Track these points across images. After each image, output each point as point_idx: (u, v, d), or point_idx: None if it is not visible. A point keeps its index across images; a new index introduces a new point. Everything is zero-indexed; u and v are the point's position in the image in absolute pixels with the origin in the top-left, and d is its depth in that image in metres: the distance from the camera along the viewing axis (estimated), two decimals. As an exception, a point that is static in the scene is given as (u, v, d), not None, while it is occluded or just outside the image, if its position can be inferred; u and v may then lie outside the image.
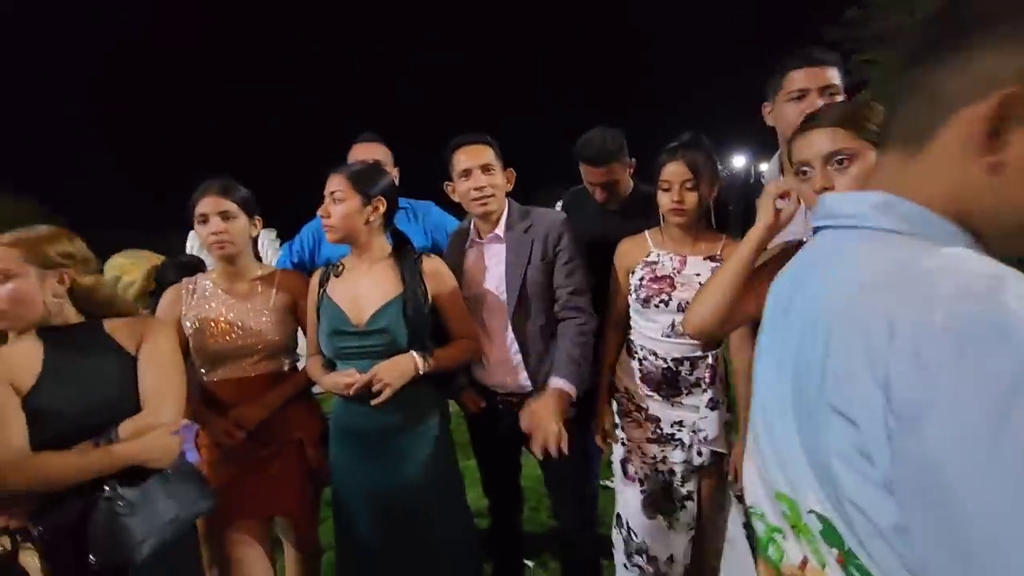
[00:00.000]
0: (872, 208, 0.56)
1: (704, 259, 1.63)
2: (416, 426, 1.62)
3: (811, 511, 0.56)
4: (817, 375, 0.52)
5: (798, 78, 1.49)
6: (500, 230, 1.78)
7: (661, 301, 1.62)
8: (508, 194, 1.80)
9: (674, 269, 1.64)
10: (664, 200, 1.59)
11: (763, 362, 0.68)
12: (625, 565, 1.76)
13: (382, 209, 1.63)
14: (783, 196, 1.17)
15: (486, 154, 1.72)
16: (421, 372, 1.57)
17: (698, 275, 1.61)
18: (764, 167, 1.78)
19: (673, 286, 1.62)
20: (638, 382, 1.71)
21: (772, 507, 0.64)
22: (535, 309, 1.74)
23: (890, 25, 10.74)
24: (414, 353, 1.58)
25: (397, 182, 1.89)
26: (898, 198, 0.55)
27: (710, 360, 1.64)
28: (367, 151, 2.18)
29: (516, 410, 1.69)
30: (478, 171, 1.71)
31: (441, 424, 1.68)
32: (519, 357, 1.77)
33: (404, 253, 1.70)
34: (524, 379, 1.78)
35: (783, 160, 1.53)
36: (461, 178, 1.74)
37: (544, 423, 1.52)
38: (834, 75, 1.48)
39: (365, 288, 1.63)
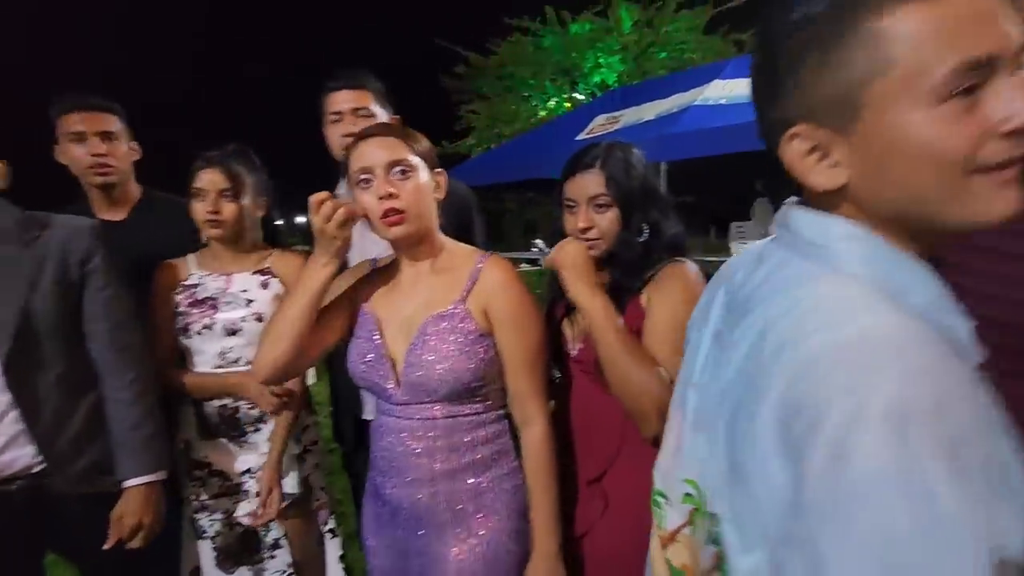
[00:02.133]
0: (839, 242, 0.53)
1: (252, 273, 1.51)
2: None
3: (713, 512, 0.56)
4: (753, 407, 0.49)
5: (333, 100, 1.56)
6: None
7: (205, 327, 1.45)
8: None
9: (218, 290, 1.48)
10: (196, 210, 1.44)
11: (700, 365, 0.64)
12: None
13: None
14: (350, 218, 1.07)
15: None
16: None
17: (245, 291, 1.48)
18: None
19: (216, 307, 1.46)
20: (194, 432, 1.51)
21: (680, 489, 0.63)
22: (48, 352, 1.32)
23: (483, 84, 13.18)
24: None
25: None
26: (864, 232, 0.52)
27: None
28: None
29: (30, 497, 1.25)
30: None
31: None
32: (19, 425, 1.28)
33: None
34: (31, 455, 1.30)
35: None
36: None
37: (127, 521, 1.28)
38: (366, 98, 1.57)
39: None
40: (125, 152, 1.69)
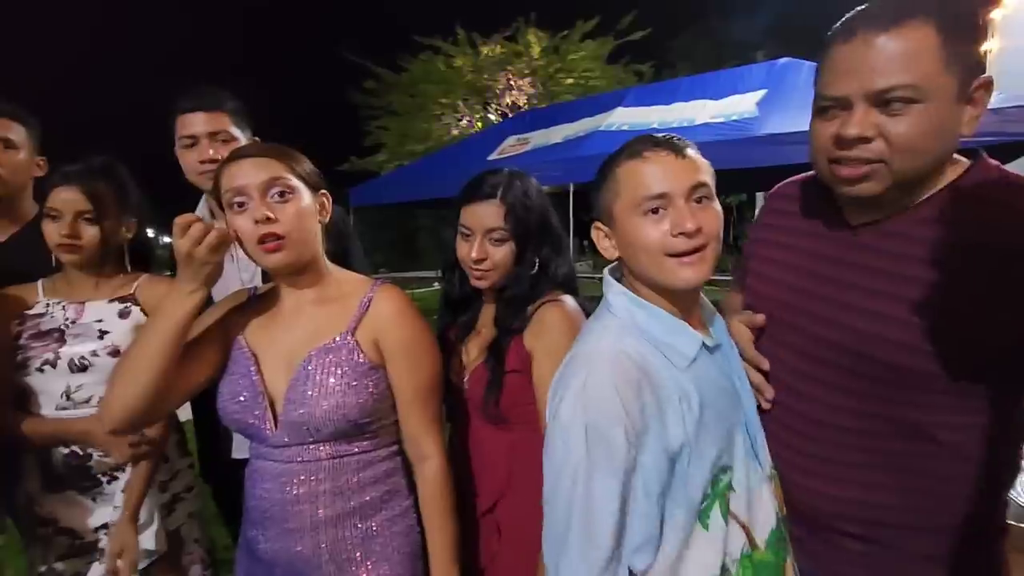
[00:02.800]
0: (613, 296, 0.91)
1: (110, 301, 1.32)
2: None
3: None
4: None
5: (187, 122, 1.39)
6: None
7: (46, 363, 1.25)
8: None
9: (67, 320, 1.28)
10: (49, 231, 1.24)
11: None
12: None
13: None
14: (222, 242, 0.95)
15: None
16: None
17: (100, 321, 1.29)
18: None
19: (63, 340, 1.26)
20: (37, 484, 1.28)
21: None
22: None
23: (394, 101, 13.03)
24: None
25: None
26: (624, 290, 0.89)
27: None
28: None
29: None
30: None
31: None
32: None
33: None
34: None
35: (210, 202, 1.44)
36: None
37: None
38: (224, 121, 1.43)
39: None
40: (21, 163, 1.48)
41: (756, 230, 1.10)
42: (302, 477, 0.99)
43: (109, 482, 1.29)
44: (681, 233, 0.80)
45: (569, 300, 1.14)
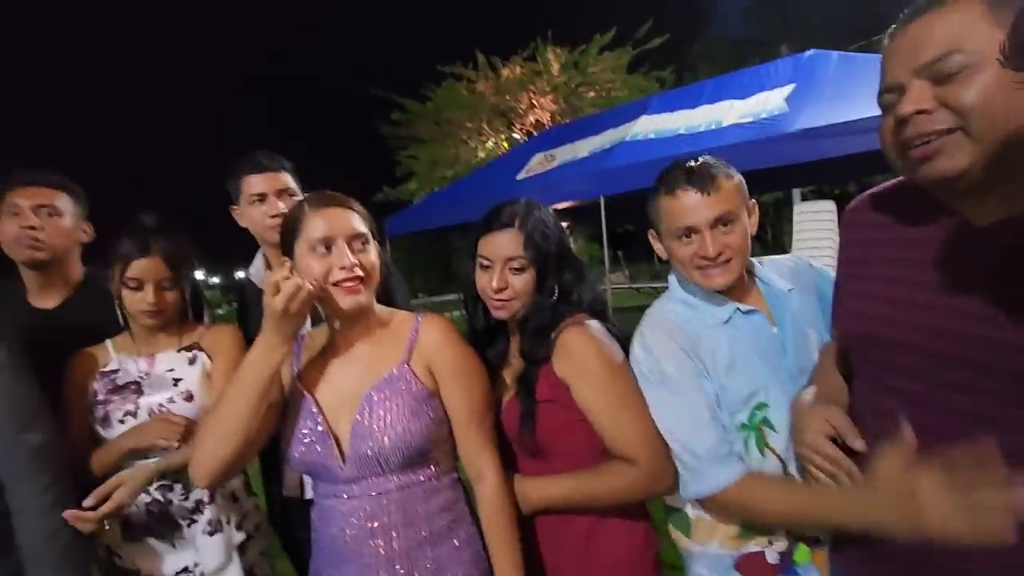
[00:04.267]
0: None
1: (179, 351, 1.38)
2: None
3: None
4: None
5: (254, 183, 1.55)
6: None
7: (127, 414, 1.31)
8: None
9: (141, 373, 1.34)
10: (133, 300, 1.30)
11: None
12: None
13: None
14: (311, 299, 1.01)
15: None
16: None
17: (171, 370, 1.35)
18: (246, 273, 1.71)
19: (140, 391, 1.32)
20: (120, 539, 1.34)
21: None
22: None
23: (421, 130, 13.38)
24: None
25: None
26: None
27: None
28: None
29: None
30: None
31: None
32: None
33: None
34: None
35: (268, 257, 1.59)
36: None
37: None
38: (288, 179, 1.59)
39: None
40: (66, 229, 1.54)
41: (841, 252, 0.98)
42: (372, 511, 1.02)
43: (189, 525, 1.34)
44: (703, 256, 1.04)
45: (590, 321, 1.12)
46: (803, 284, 1.16)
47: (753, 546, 1.06)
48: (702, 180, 1.02)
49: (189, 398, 1.34)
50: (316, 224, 1.03)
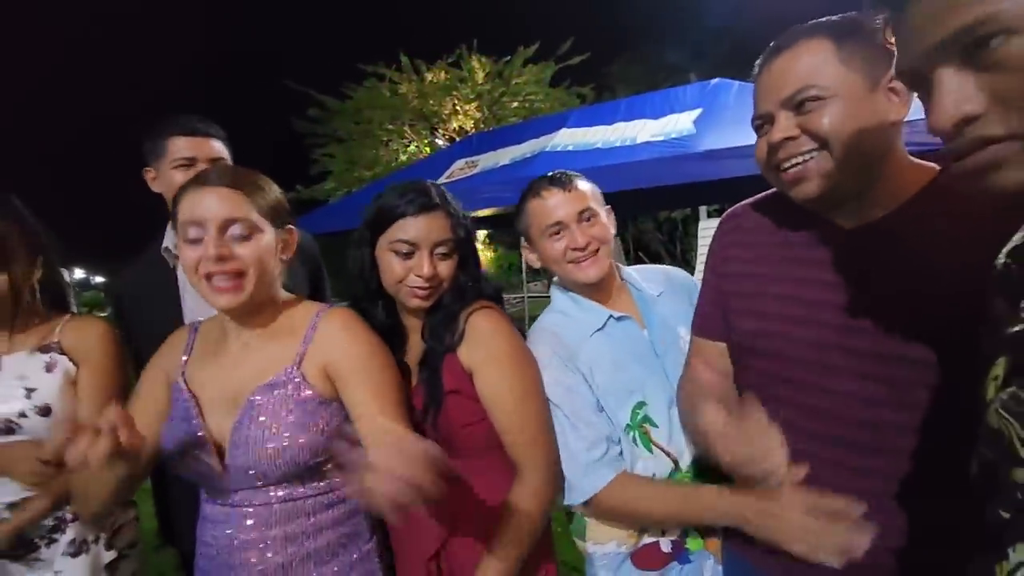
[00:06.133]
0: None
1: (31, 352, 1.20)
2: None
3: None
4: None
5: (183, 145, 1.41)
6: None
7: None
8: None
9: None
10: None
11: None
12: None
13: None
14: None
15: None
16: None
17: (23, 378, 1.16)
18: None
19: None
20: None
21: None
22: None
23: (339, 128, 12.90)
24: None
25: None
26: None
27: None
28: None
29: None
30: None
31: None
32: None
33: None
34: None
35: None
36: None
37: None
38: (221, 148, 1.47)
39: None
40: None
41: (719, 254, 1.05)
42: (251, 522, 0.92)
43: (48, 545, 1.18)
44: (574, 248, 1.13)
45: (496, 308, 1.10)
46: (675, 288, 1.26)
47: (647, 538, 1.10)
48: (562, 182, 1.15)
49: (46, 412, 1.16)
50: (187, 205, 0.91)
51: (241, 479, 0.92)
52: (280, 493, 0.94)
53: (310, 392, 0.95)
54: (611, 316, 1.16)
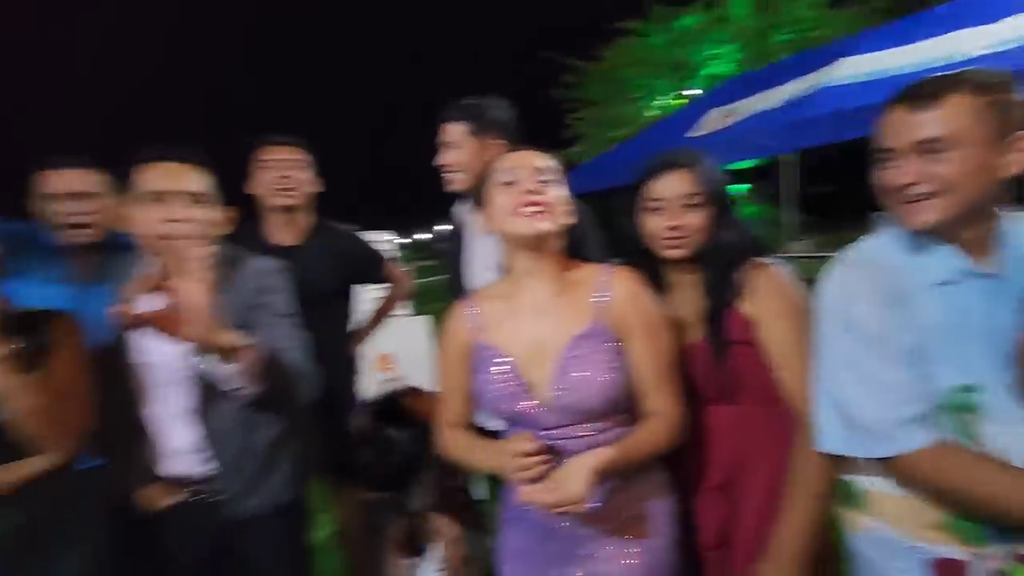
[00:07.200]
0: None
1: None
2: None
3: None
4: None
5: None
6: None
7: None
8: None
9: None
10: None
11: None
12: None
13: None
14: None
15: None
16: None
17: None
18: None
19: None
20: None
21: None
22: None
23: (593, 92, 13.11)
24: None
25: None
26: None
27: None
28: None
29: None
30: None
31: None
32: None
33: None
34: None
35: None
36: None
37: None
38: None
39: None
40: (307, 181, 1.93)
41: None
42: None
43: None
44: (906, 185, 0.93)
45: (776, 264, 1.16)
46: None
47: (955, 551, 0.89)
48: (923, 96, 0.88)
49: None
50: (504, 162, 1.13)
51: (565, 418, 1.09)
52: (594, 428, 1.09)
53: (613, 340, 1.09)
54: (970, 272, 0.89)
